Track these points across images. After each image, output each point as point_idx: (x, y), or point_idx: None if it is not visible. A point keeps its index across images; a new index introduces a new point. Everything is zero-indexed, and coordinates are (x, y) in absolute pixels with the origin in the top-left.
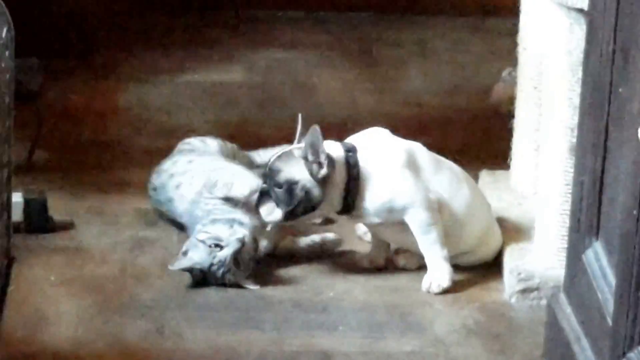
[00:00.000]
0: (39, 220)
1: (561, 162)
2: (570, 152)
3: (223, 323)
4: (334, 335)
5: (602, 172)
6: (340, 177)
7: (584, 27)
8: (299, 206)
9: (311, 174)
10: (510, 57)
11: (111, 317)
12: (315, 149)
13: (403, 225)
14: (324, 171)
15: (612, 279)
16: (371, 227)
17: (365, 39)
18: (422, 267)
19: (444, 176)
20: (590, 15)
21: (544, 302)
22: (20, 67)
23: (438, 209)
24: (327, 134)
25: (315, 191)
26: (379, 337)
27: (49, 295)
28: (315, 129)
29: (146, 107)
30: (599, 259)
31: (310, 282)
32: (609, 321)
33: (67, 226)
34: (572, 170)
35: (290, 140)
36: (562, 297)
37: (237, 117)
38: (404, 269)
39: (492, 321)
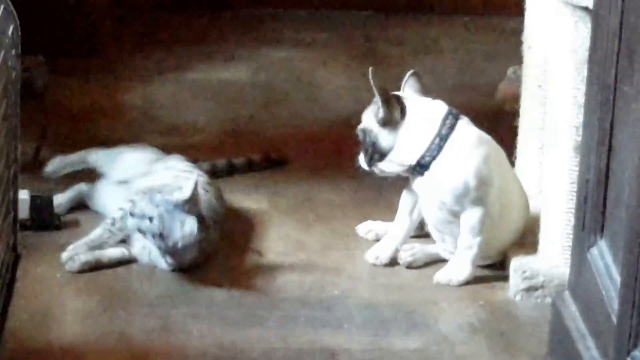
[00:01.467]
0: (45, 218)
1: (566, 161)
2: (575, 150)
3: (228, 320)
4: (339, 333)
5: (607, 170)
6: (424, 130)
7: (589, 25)
8: (372, 152)
9: (376, 118)
10: (515, 55)
11: (117, 313)
12: (377, 91)
13: (456, 217)
14: (381, 114)
15: (617, 277)
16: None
17: (369, 37)
18: (427, 265)
19: (515, 184)
20: (596, 14)
21: (548, 300)
22: (26, 66)
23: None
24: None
25: (382, 135)
26: (384, 334)
27: (55, 292)
28: (370, 70)
29: (152, 105)
30: (603, 257)
31: (315, 280)
32: (614, 319)
33: (72, 224)
34: (577, 168)
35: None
36: (567, 296)
37: (241, 115)
38: (409, 267)
39: (496, 319)
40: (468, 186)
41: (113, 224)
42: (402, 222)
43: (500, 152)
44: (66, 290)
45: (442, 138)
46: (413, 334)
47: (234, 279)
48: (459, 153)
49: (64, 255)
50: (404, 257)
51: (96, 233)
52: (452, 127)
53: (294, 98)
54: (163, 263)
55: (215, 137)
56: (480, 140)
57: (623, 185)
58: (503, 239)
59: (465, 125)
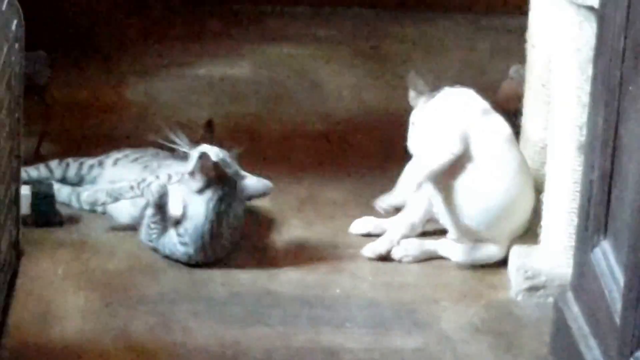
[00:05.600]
0: (46, 214)
1: (569, 161)
2: (579, 150)
3: (230, 318)
4: (340, 332)
5: (611, 170)
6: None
7: (594, 24)
8: None
9: None
10: (518, 54)
11: (118, 310)
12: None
13: (453, 186)
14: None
15: (620, 278)
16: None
17: (372, 35)
18: (428, 263)
19: (512, 165)
20: (601, 13)
21: (550, 300)
22: (28, 61)
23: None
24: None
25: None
26: (385, 333)
27: (56, 288)
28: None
29: (153, 101)
30: (607, 258)
31: (317, 278)
32: (617, 320)
33: (74, 220)
34: (581, 168)
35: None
36: (569, 296)
37: (243, 111)
38: (408, 264)
39: (498, 319)
40: (430, 139)
41: (133, 187)
42: (407, 218)
43: (491, 129)
44: (67, 286)
45: (425, 100)
46: (415, 333)
47: (235, 277)
48: (433, 110)
49: (85, 194)
50: (396, 251)
51: (119, 184)
52: (436, 90)
53: (297, 95)
54: (180, 250)
55: (218, 134)
56: (459, 104)
57: (627, 185)
58: (510, 223)
59: (450, 90)
